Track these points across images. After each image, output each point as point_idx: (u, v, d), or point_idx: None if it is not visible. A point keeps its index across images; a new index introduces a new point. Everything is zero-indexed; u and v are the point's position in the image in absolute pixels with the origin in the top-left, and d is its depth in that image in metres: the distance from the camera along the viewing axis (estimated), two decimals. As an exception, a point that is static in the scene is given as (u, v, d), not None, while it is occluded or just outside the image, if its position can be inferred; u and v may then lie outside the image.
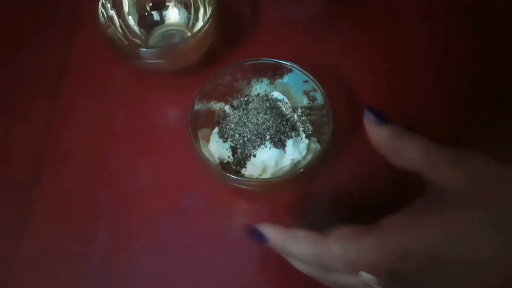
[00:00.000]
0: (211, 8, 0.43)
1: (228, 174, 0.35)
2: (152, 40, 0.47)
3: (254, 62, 0.40)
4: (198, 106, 0.38)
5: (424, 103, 0.44)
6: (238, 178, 0.36)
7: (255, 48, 0.47)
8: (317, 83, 0.38)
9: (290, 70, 0.40)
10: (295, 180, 0.37)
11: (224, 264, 0.37)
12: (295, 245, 0.27)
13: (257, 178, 0.37)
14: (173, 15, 0.47)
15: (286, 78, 0.41)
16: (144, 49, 0.43)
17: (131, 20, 0.46)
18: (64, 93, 0.45)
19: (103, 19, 0.42)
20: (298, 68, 0.39)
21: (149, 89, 0.46)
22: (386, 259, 0.25)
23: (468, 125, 0.42)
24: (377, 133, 0.29)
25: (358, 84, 0.44)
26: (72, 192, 0.40)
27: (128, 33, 0.45)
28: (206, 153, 0.37)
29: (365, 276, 0.26)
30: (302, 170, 0.36)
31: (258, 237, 0.29)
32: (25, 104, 0.45)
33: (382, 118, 0.29)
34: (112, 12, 0.44)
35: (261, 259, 0.37)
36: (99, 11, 0.42)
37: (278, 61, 0.40)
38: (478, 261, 0.24)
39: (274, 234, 0.28)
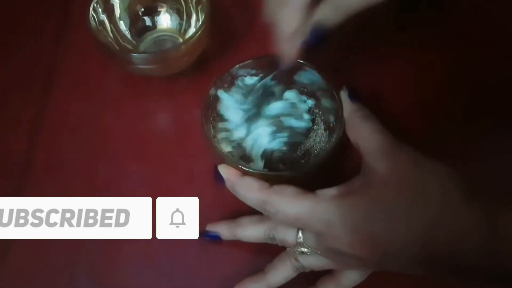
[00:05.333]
0: (203, 15, 0.42)
1: (241, 166, 0.33)
2: (143, 46, 0.46)
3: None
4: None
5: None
6: (248, 169, 0.33)
7: (249, 54, 0.46)
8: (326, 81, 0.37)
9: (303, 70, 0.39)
10: (304, 175, 0.35)
11: (225, 258, 0.37)
12: (244, 189, 0.32)
13: (271, 173, 0.36)
14: (165, 20, 0.47)
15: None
16: (135, 54, 0.42)
17: (122, 25, 0.45)
18: (54, 97, 0.44)
19: (94, 23, 0.41)
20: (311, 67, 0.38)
21: (141, 93, 0.45)
22: (314, 222, 0.29)
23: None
24: (346, 106, 0.35)
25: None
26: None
27: (119, 38, 0.45)
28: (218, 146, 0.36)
29: (299, 233, 0.32)
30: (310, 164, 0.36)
31: (218, 177, 0.33)
32: (12, 108, 0.44)
33: (353, 95, 0.35)
34: (103, 17, 0.43)
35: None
36: (90, 15, 0.41)
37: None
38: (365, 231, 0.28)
39: (229, 178, 0.33)
